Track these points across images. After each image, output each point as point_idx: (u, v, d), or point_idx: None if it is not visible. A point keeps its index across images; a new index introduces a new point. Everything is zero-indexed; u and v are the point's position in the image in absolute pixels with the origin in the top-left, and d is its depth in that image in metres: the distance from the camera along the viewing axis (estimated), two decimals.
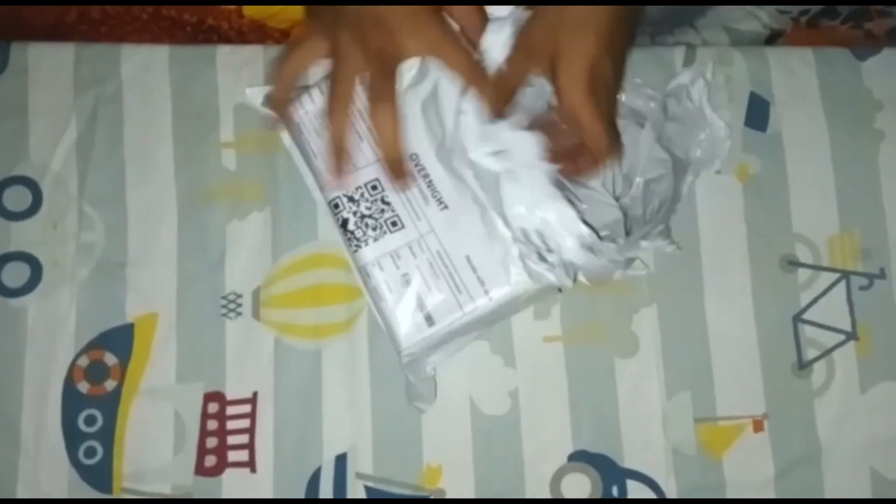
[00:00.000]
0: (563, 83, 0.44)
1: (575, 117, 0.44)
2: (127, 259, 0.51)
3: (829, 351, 0.52)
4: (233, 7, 0.54)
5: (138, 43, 0.54)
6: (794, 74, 0.55)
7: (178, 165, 0.53)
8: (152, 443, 0.50)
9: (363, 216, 0.47)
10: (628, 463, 0.50)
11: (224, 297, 0.51)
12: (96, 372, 0.50)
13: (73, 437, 0.49)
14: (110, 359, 0.50)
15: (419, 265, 0.46)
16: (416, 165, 0.47)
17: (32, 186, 0.52)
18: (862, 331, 0.52)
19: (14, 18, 0.56)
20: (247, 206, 0.52)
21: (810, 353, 0.52)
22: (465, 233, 0.47)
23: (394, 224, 0.47)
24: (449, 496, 0.50)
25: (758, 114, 0.55)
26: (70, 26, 0.56)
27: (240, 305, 0.51)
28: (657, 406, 0.51)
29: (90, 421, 0.50)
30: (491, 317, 0.48)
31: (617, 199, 0.49)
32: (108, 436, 0.49)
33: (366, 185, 0.47)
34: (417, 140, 0.47)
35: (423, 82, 0.47)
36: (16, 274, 0.51)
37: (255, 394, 0.50)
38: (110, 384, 0.50)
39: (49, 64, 0.54)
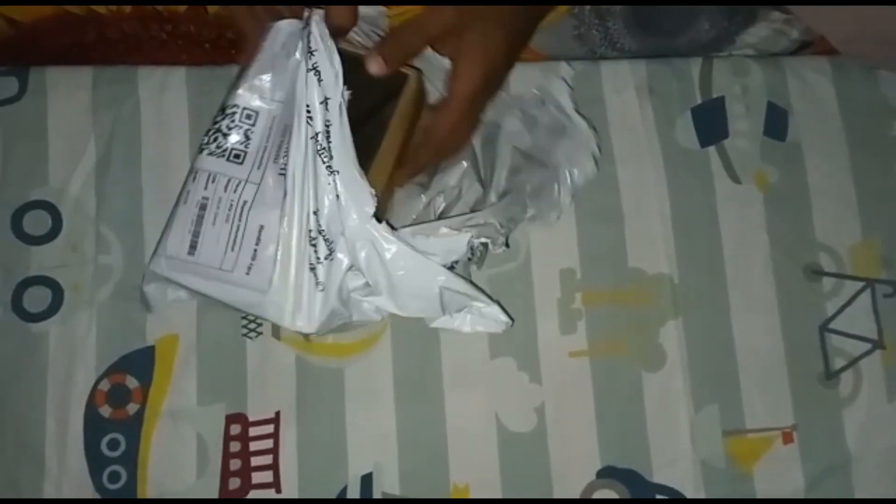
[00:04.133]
0: (459, 70, 0.45)
1: (449, 105, 0.45)
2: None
3: (855, 360, 0.52)
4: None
5: (157, 61, 0.55)
6: (811, 84, 0.55)
7: None
8: (175, 466, 0.49)
9: (220, 130, 0.45)
10: (657, 478, 0.50)
11: (244, 318, 0.51)
12: (118, 395, 0.50)
13: (96, 461, 0.49)
14: (132, 382, 0.50)
15: (220, 201, 0.44)
16: (285, 129, 0.45)
17: (52, 210, 0.52)
18: (888, 339, 0.52)
19: (31, 41, 0.56)
20: None
21: (837, 363, 0.52)
22: (275, 208, 0.44)
23: (236, 157, 0.45)
24: None
25: (776, 123, 0.55)
26: (88, 47, 0.56)
27: (259, 325, 0.51)
28: (685, 419, 0.50)
29: (113, 445, 0.49)
30: (245, 299, 0.45)
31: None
32: (131, 460, 0.49)
33: (245, 109, 0.45)
34: (294, 111, 0.44)
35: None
36: (37, 298, 0.51)
37: (277, 414, 0.50)
38: (132, 407, 0.50)
39: (67, 87, 0.54)
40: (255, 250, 0.44)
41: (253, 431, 0.50)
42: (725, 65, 0.55)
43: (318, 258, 0.44)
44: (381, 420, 0.50)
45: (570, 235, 0.53)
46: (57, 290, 0.51)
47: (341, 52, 0.43)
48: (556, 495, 0.50)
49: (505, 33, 0.45)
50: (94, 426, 0.49)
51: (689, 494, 0.49)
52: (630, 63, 0.55)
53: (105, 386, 0.50)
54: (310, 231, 0.43)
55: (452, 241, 0.45)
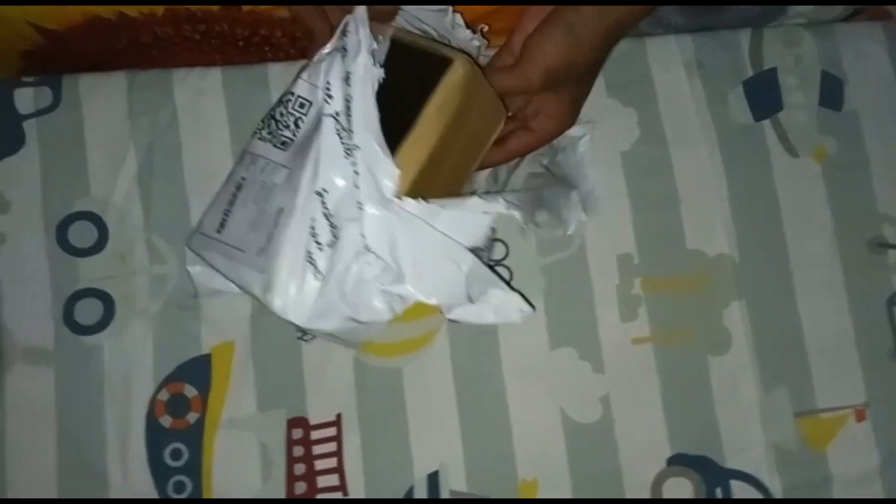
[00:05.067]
0: (539, 124, 0.47)
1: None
2: (199, 290, 0.50)
3: None
4: (285, 14, 0.52)
5: (190, 63, 0.53)
6: (865, 51, 0.54)
7: None
8: (240, 473, 0.49)
9: (273, 116, 0.44)
10: (730, 463, 0.49)
11: None
12: (177, 405, 0.49)
13: (160, 472, 0.48)
14: (190, 391, 0.49)
15: (254, 182, 0.44)
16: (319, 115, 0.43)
17: (97, 221, 0.51)
18: None
19: (62, 49, 0.55)
20: None
21: None
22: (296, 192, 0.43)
23: (283, 143, 0.44)
24: None
25: (832, 93, 0.53)
26: (120, 52, 0.55)
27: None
28: (755, 402, 0.49)
29: (176, 455, 0.49)
30: (249, 281, 0.43)
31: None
32: (195, 469, 0.48)
33: (299, 97, 0.44)
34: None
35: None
36: (88, 311, 0.50)
37: (338, 416, 0.49)
38: (192, 416, 0.49)
39: (102, 95, 0.53)
40: (272, 233, 0.42)
41: (315, 435, 0.49)
42: (776, 35, 0.54)
43: (319, 244, 0.42)
44: (443, 417, 0.49)
45: (626, 220, 0.51)
46: (108, 302, 0.50)
47: (393, 40, 0.42)
48: (627, 485, 0.49)
49: (579, 89, 0.47)
50: (155, 437, 0.49)
51: (764, 479, 0.48)
52: (676, 38, 0.53)
53: (164, 396, 0.49)
54: (312, 217, 0.42)
55: (478, 218, 0.43)
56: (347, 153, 0.41)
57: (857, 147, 0.52)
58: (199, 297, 0.49)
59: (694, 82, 0.53)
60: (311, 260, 0.42)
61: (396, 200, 0.41)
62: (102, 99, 0.53)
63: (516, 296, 0.46)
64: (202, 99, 0.53)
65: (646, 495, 0.49)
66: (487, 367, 0.50)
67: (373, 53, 0.42)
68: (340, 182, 0.42)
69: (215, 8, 0.53)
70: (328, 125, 0.42)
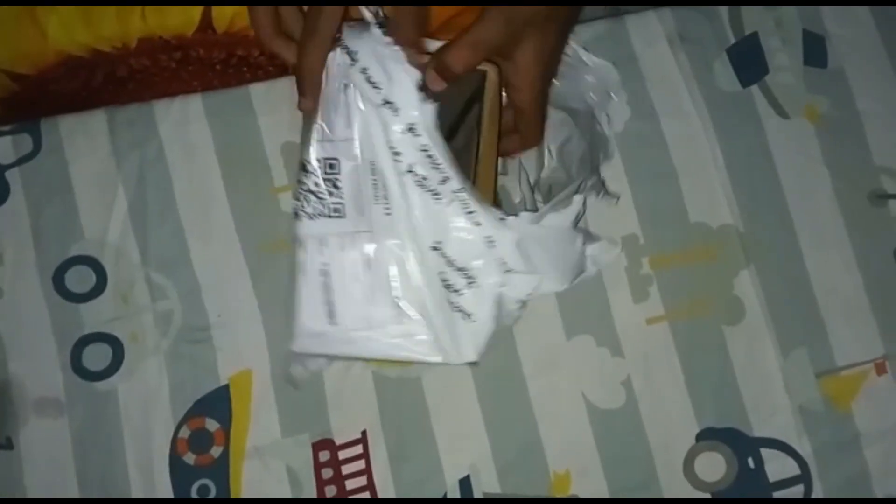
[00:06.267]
0: (519, 82, 0.44)
1: (523, 112, 0.45)
2: (208, 321, 0.49)
3: None
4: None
5: (169, 92, 0.52)
6: (844, 4, 0.53)
7: (238, 217, 0.51)
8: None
9: (310, 190, 0.44)
10: (758, 431, 0.49)
11: None
12: (200, 440, 0.48)
13: None
14: (212, 424, 0.48)
15: (342, 260, 0.43)
16: (372, 167, 0.43)
17: (93, 264, 0.50)
18: None
19: (38, 93, 0.54)
20: None
21: None
22: (397, 251, 0.44)
23: (336, 211, 0.43)
24: (583, 497, 0.48)
25: (815, 51, 0.53)
26: (97, 89, 0.54)
27: None
28: (775, 368, 0.49)
29: (203, 492, 0.48)
30: (400, 349, 0.44)
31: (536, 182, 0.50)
32: None
33: (325, 159, 0.44)
34: (374, 145, 0.43)
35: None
36: (97, 356, 0.49)
37: (363, 433, 0.49)
38: (216, 450, 0.48)
39: (83, 135, 0.52)
40: (395, 298, 0.43)
41: (342, 455, 0.48)
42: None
43: (458, 290, 0.42)
44: (468, 420, 0.49)
45: (626, 200, 0.51)
46: (116, 344, 0.49)
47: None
48: (659, 466, 0.48)
49: (554, 33, 0.44)
50: (181, 476, 0.48)
51: (794, 443, 0.48)
52: (656, 12, 0.53)
53: (185, 433, 0.48)
54: (440, 272, 0.43)
55: (571, 208, 0.45)
56: (436, 197, 0.42)
57: (848, 102, 0.52)
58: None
59: (678, 55, 0.52)
60: (460, 309, 0.43)
61: (511, 219, 0.43)
62: (84, 140, 0.52)
63: (603, 241, 0.49)
64: (187, 128, 0.52)
65: (678, 474, 0.48)
66: (506, 364, 0.49)
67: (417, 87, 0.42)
68: (450, 228, 0.42)
69: (189, 34, 0.52)
70: (408, 182, 0.42)
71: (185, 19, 0.51)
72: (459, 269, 0.43)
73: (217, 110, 0.52)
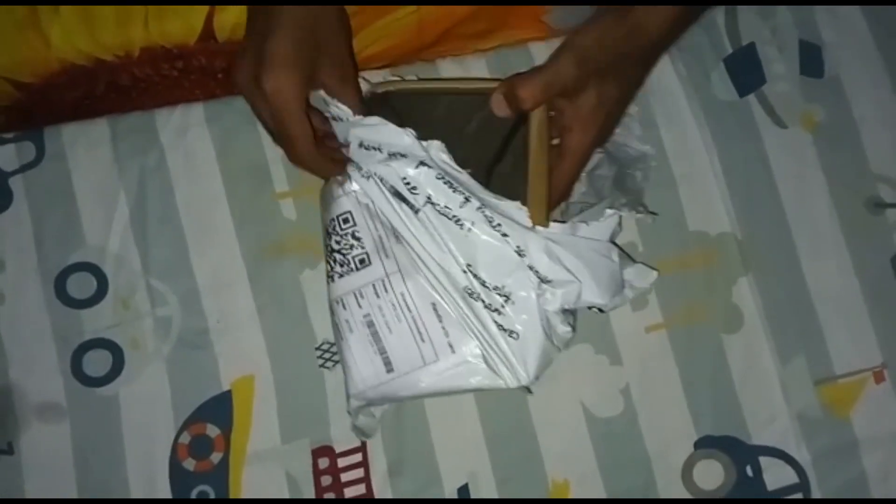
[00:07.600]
0: (576, 125, 0.44)
1: (565, 158, 0.45)
2: (208, 326, 0.49)
3: None
4: None
5: (171, 101, 0.53)
6: (840, 14, 0.54)
7: (238, 224, 0.51)
8: None
9: (332, 250, 0.45)
10: (756, 439, 0.49)
11: (318, 348, 0.49)
12: (200, 446, 0.48)
13: None
14: (212, 430, 0.49)
15: (381, 306, 0.44)
16: (386, 208, 0.45)
17: (95, 271, 0.51)
18: None
19: (40, 101, 0.54)
20: (316, 254, 0.50)
21: None
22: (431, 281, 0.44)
23: (361, 262, 0.44)
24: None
25: (811, 60, 0.53)
26: (99, 98, 0.54)
27: (335, 353, 0.49)
28: (773, 375, 0.49)
29: (203, 498, 0.48)
30: (460, 380, 0.44)
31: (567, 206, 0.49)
32: None
33: (338, 217, 0.45)
34: (383, 189, 0.44)
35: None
36: (97, 362, 0.49)
37: (363, 441, 0.49)
38: (216, 456, 0.48)
39: (86, 144, 0.52)
40: (444, 328, 0.44)
41: (342, 462, 0.48)
42: (750, 9, 0.54)
43: (497, 310, 0.43)
44: (467, 429, 0.49)
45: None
46: (116, 350, 0.50)
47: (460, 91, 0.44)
48: (657, 474, 0.49)
49: (621, 88, 0.45)
50: (180, 482, 0.48)
51: (792, 451, 0.49)
52: None
53: (185, 439, 0.48)
54: (476, 293, 0.43)
55: (606, 222, 0.45)
56: (458, 224, 0.43)
57: (844, 111, 0.53)
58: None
59: (676, 64, 0.53)
60: (502, 329, 0.43)
61: (542, 229, 0.43)
62: (87, 148, 0.52)
63: (640, 265, 0.48)
64: (188, 137, 0.52)
65: (677, 482, 0.49)
66: None
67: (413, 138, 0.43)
68: (477, 248, 0.43)
69: (191, 43, 0.52)
70: (430, 214, 0.43)
71: (187, 29, 0.52)
72: (494, 288, 0.43)
73: (218, 118, 0.52)
